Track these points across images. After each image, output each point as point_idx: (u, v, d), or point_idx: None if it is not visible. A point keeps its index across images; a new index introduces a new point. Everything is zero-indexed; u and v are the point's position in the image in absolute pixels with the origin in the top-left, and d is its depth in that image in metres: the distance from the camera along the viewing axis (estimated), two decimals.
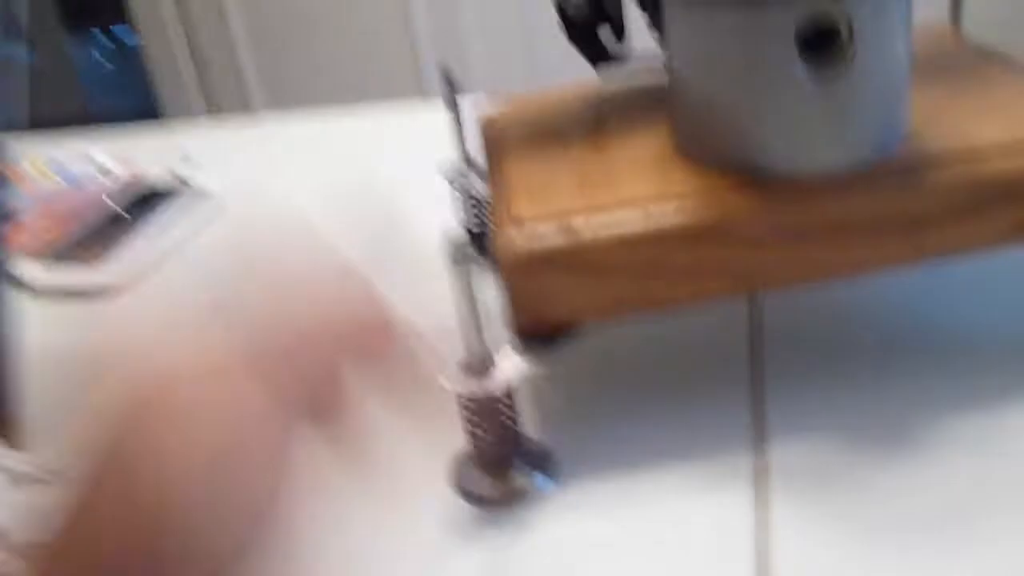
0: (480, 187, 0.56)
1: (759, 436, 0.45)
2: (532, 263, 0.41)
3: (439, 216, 0.57)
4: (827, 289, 0.50)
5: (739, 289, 0.43)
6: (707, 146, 0.44)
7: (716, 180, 0.43)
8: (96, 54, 2.47)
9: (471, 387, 0.41)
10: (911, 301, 0.52)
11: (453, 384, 0.42)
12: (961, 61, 0.53)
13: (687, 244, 0.42)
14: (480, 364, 0.42)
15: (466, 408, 0.42)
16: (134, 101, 2.08)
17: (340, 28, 1.80)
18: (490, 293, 0.43)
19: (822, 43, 0.39)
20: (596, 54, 0.53)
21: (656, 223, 0.41)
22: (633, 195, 0.43)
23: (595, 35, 0.52)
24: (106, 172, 0.79)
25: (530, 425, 0.46)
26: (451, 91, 0.56)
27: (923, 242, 0.42)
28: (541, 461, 0.45)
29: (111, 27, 2.43)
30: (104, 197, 0.74)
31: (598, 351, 0.51)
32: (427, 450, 0.45)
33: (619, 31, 0.52)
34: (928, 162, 0.42)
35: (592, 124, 0.52)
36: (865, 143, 0.41)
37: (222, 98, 1.90)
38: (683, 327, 0.51)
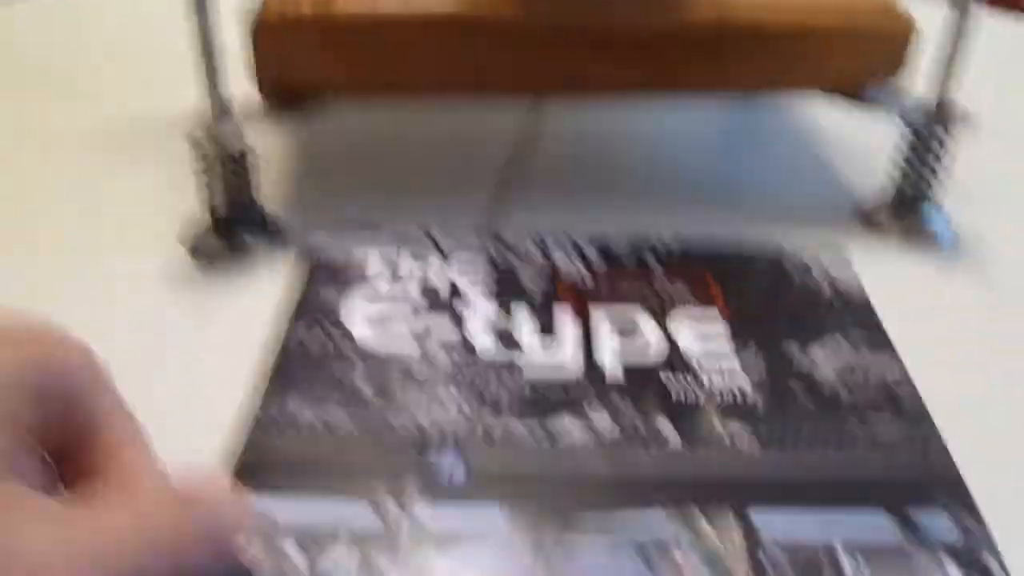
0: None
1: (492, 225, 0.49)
2: (281, 27, 0.44)
3: None
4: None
5: (487, 88, 0.46)
6: None
7: None
8: None
9: (206, 131, 0.43)
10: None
11: (192, 128, 0.43)
12: None
13: (436, 33, 0.44)
14: (217, 112, 0.43)
15: (201, 160, 0.44)
16: None
17: None
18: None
19: None
20: None
21: (411, 9, 0.44)
22: None
23: None
24: None
25: (263, 190, 0.48)
26: None
27: (673, 72, 0.46)
28: (269, 226, 0.47)
29: None
30: None
31: (350, 130, 0.56)
32: (161, 211, 0.48)
33: None
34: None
35: None
36: None
37: None
38: (452, 123, 0.56)
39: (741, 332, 0.41)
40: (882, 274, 0.46)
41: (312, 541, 0.30)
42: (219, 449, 0.34)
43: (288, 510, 0.32)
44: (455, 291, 0.43)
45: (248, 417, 0.35)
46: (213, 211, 0.47)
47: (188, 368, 0.39)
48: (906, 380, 0.39)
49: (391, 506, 0.32)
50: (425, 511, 0.31)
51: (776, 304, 0.43)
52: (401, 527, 0.31)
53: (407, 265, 0.44)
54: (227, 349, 0.40)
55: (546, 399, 0.37)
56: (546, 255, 0.46)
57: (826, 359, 0.40)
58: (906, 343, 0.41)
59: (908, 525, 0.32)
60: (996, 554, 0.31)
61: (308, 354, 0.39)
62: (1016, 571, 0.31)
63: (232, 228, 0.47)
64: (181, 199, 0.48)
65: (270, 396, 0.36)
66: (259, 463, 0.33)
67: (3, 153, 0.57)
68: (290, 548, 0.30)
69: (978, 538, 0.32)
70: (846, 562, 0.31)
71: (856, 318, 0.42)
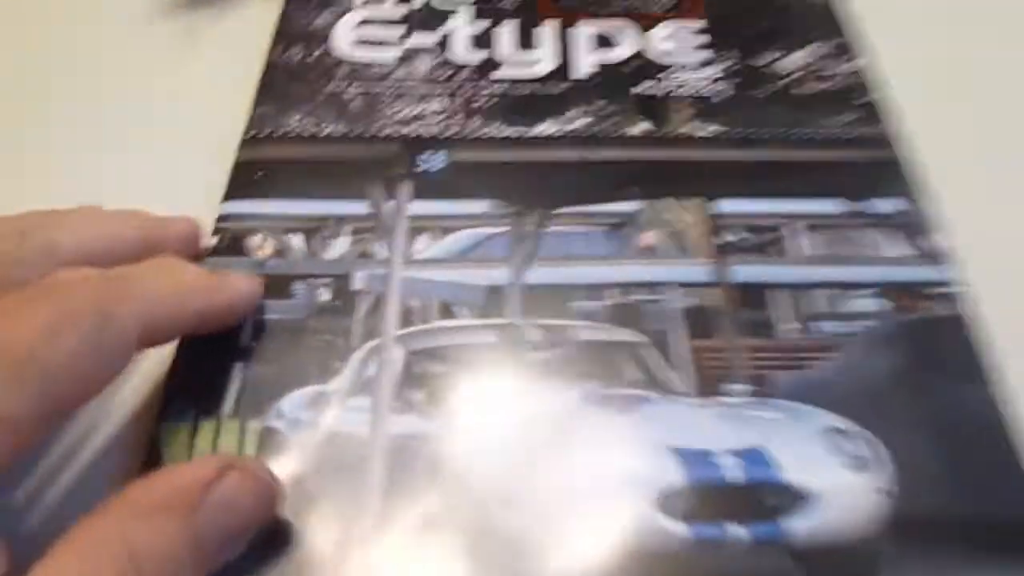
0: None
1: None
2: None
3: None
4: None
5: None
6: None
7: None
8: None
9: None
10: None
11: None
12: None
13: None
14: None
15: None
16: None
17: None
18: None
19: None
20: None
21: None
22: None
23: None
24: None
25: None
26: None
27: None
28: None
29: None
30: None
31: None
32: None
33: None
34: None
35: None
36: None
37: None
38: None
39: (718, 41, 0.42)
40: None
41: (315, 233, 0.33)
42: (218, 162, 0.36)
43: (291, 208, 0.34)
44: (437, 14, 0.44)
45: (243, 130, 0.37)
46: None
47: (181, 93, 0.41)
48: (869, 81, 0.41)
49: (385, 201, 0.34)
50: (416, 205, 0.34)
51: (752, 17, 0.44)
52: (395, 219, 0.34)
53: None
54: (217, 75, 0.42)
55: (525, 102, 0.39)
56: None
57: (794, 65, 0.41)
58: (873, 45, 0.43)
59: (860, 206, 0.35)
60: (936, 225, 0.34)
61: (295, 71, 0.41)
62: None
63: None
64: None
65: (262, 108, 0.38)
66: (259, 170, 0.36)
67: None
68: (296, 241, 0.33)
69: (923, 215, 0.35)
70: (800, 229, 0.34)
71: (824, 27, 0.43)
